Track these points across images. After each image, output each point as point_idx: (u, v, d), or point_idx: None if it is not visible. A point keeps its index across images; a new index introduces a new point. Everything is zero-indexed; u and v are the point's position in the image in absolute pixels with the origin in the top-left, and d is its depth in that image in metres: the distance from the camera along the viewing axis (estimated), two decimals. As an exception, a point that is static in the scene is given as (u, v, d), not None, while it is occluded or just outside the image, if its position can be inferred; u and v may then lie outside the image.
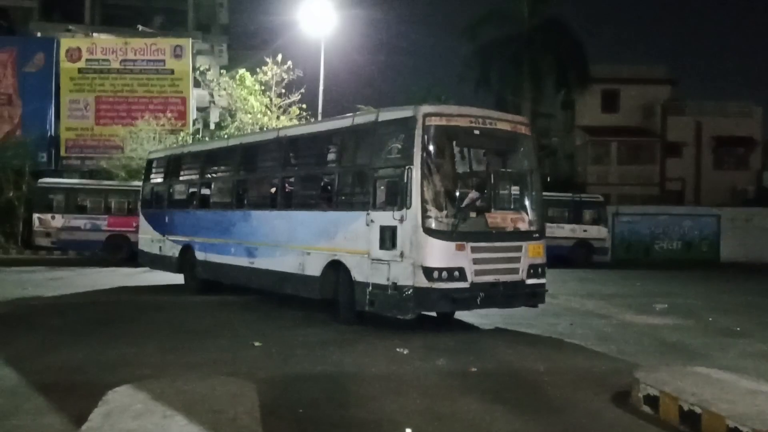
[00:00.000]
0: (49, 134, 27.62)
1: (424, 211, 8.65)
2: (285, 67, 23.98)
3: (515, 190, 10.00)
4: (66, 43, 28.08)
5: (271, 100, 24.40)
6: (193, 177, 14.55)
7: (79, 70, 27.92)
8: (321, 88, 25.31)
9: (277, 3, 47.34)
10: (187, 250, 13.94)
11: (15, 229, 24.63)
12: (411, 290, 8.64)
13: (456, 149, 9.95)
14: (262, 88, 24.63)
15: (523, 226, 9.61)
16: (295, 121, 24.28)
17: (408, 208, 8.64)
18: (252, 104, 24.32)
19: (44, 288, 14.53)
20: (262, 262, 11.80)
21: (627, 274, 21.09)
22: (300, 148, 11.76)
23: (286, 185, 11.73)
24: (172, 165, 15.34)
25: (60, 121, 27.90)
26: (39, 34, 29.67)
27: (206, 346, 8.19)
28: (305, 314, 11.00)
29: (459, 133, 9.50)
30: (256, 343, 8.23)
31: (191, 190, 14.67)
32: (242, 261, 12.25)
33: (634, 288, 16.90)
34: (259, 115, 24.16)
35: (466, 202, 9.25)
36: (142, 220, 16.19)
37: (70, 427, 4.71)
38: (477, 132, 9.38)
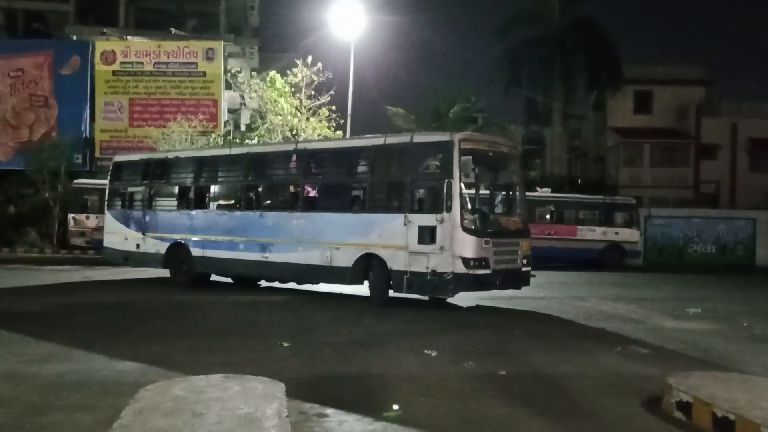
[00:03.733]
0: (84, 136, 28.11)
1: (462, 214, 10.92)
2: (315, 68, 24.06)
3: (513, 197, 12.76)
4: (101, 46, 28.54)
5: (300, 101, 24.48)
6: (187, 180, 15.28)
7: (114, 73, 28.36)
8: (351, 90, 25.39)
9: (307, 6, 47.64)
10: (176, 247, 14.87)
11: (50, 228, 25.13)
12: (451, 275, 10.90)
13: (478, 166, 12.02)
14: (292, 89, 24.74)
15: (520, 226, 12.32)
16: (325, 123, 24.36)
17: (448, 211, 10.88)
18: (282, 106, 24.41)
19: (78, 287, 14.82)
20: (277, 257, 13.28)
21: (659, 278, 20.81)
22: (327, 161, 13.48)
23: (309, 191, 13.40)
24: (154, 169, 16.10)
25: (95, 122, 28.36)
26: (74, 38, 30.22)
27: (235, 345, 8.26)
28: (332, 315, 11.08)
29: (480, 154, 11.85)
30: (285, 344, 8.28)
31: (184, 192, 15.32)
32: (254, 256, 13.61)
33: (666, 292, 16.65)
34: (289, 117, 24.27)
35: (489, 207, 12.26)
36: (110, 219, 16.69)
37: (102, 424, 4.77)
38: (490, 153, 12.20)
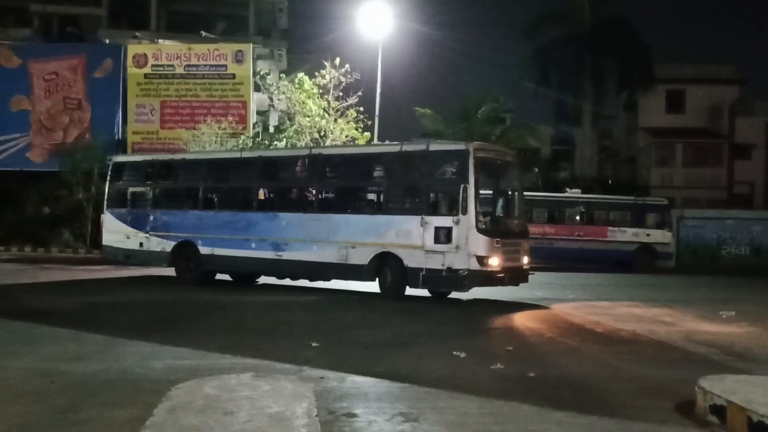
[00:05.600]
0: (116, 137, 28.51)
1: (477, 216, 11.85)
2: (342, 70, 24.10)
3: (514, 201, 13.68)
4: (133, 49, 28.95)
5: (329, 103, 24.56)
6: (197, 182, 15.66)
7: (145, 76, 28.74)
8: (378, 91, 25.42)
9: (335, 8, 47.81)
10: (184, 245, 15.23)
11: (84, 229, 25.57)
12: (467, 272, 11.88)
13: (488, 173, 12.91)
14: (320, 91, 24.82)
15: (522, 228, 13.50)
16: (353, 124, 24.41)
17: (464, 214, 11.83)
18: (310, 107, 24.52)
19: (110, 286, 15.05)
20: (292, 255, 13.93)
21: (692, 280, 20.50)
22: (346, 166, 14.35)
23: (324, 193, 14.28)
24: (160, 170, 16.45)
25: (127, 124, 28.79)
26: (107, 41, 30.71)
27: (265, 345, 8.32)
28: (360, 316, 11.13)
29: (490, 162, 12.90)
30: (314, 344, 8.31)
31: (193, 193, 15.69)
32: (266, 254, 14.22)
33: (699, 294, 16.40)
34: (317, 118, 24.36)
35: (498, 210, 13.33)
36: (110, 218, 16.86)
37: (135, 422, 4.84)
38: (499, 161, 13.33)
